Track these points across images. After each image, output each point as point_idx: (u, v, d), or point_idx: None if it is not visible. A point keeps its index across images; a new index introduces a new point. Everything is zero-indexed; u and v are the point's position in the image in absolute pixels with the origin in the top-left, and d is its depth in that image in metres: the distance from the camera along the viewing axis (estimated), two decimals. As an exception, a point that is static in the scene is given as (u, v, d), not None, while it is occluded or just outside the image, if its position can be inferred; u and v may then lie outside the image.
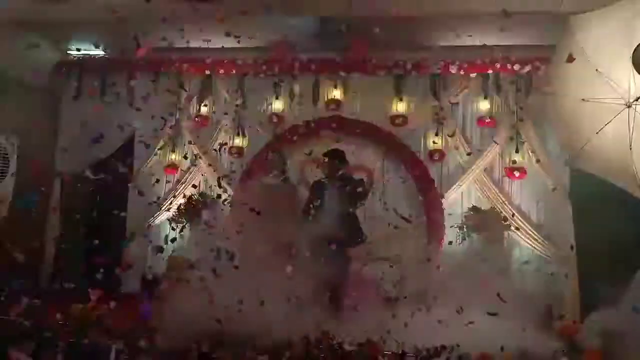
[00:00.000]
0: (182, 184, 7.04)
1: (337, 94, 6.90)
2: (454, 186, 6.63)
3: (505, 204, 6.48)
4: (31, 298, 3.88)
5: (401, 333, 3.62)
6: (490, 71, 6.71)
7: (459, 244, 6.37)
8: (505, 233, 6.38)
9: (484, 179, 6.64)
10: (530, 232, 6.40)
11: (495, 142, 6.60)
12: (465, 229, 6.38)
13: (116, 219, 5.58)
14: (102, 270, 4.08)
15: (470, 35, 5.84)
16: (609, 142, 4.52)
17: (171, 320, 3.57)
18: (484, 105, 6.74)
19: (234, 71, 7.06)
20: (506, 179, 6.65)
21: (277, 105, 6.98)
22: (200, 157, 7.01)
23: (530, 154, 6.57)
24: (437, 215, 6.44)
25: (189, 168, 7.09)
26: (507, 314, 3.87)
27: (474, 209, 6.49)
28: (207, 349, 3.39)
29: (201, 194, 6.92)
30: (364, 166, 6.76)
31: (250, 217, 4.27)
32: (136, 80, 7.08)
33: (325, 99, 6.94)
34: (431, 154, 6.76)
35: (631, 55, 4.21)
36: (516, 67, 6.58)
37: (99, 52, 7.27)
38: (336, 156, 5.03)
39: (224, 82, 7.17)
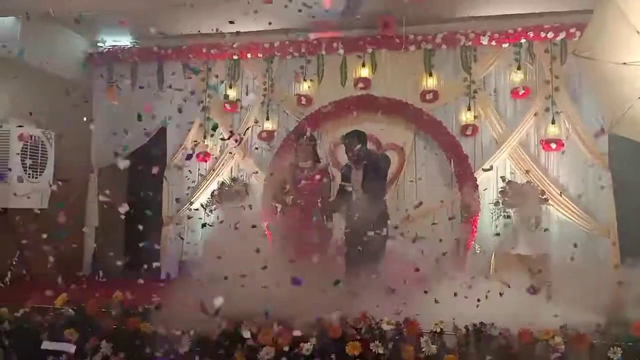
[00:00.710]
0: (214, 170, 7.09)
1: (365, 72, 6.81)
2: (489, 161, 6.47)
3: (542, 177, 6.32)
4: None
5: (440, 311, 3.59)
6: (523, 40, 6.49)
7: (495, 221, 6.26)
8: (543, 207, 6.22)
9: (520, 152, 6.48)
10: (569, 206, 6.22)
11: (535, 114, 6.41)
12: (501, 205, 6.25)
13: (152, 206, 5.66)
14: (143, 256, 4.19)
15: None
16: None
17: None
18: (517, 77, 6.53)
19: (260, 55, 7.05)
20: (542, 152, 6.47)
21: (305, 86, 6.94)
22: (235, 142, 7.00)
23: (567, 124, 6.37)
24: (471, 191, 6.31)
25: (220, 154, 7.15)
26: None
27: (510, 183, 6.34)
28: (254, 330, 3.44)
29: (233, 179, 7.00)
30: (394, 144, 6.69)
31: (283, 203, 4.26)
32: (166, 69, 7.25)
33: (353, 77, 6.85)
34: (464, 129, 6.62)
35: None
36: (550, 34, 6.35)
37: (129, 43, 7.38)
38: (354, 137, 4.96)
39: (252, 66, 7.16)
